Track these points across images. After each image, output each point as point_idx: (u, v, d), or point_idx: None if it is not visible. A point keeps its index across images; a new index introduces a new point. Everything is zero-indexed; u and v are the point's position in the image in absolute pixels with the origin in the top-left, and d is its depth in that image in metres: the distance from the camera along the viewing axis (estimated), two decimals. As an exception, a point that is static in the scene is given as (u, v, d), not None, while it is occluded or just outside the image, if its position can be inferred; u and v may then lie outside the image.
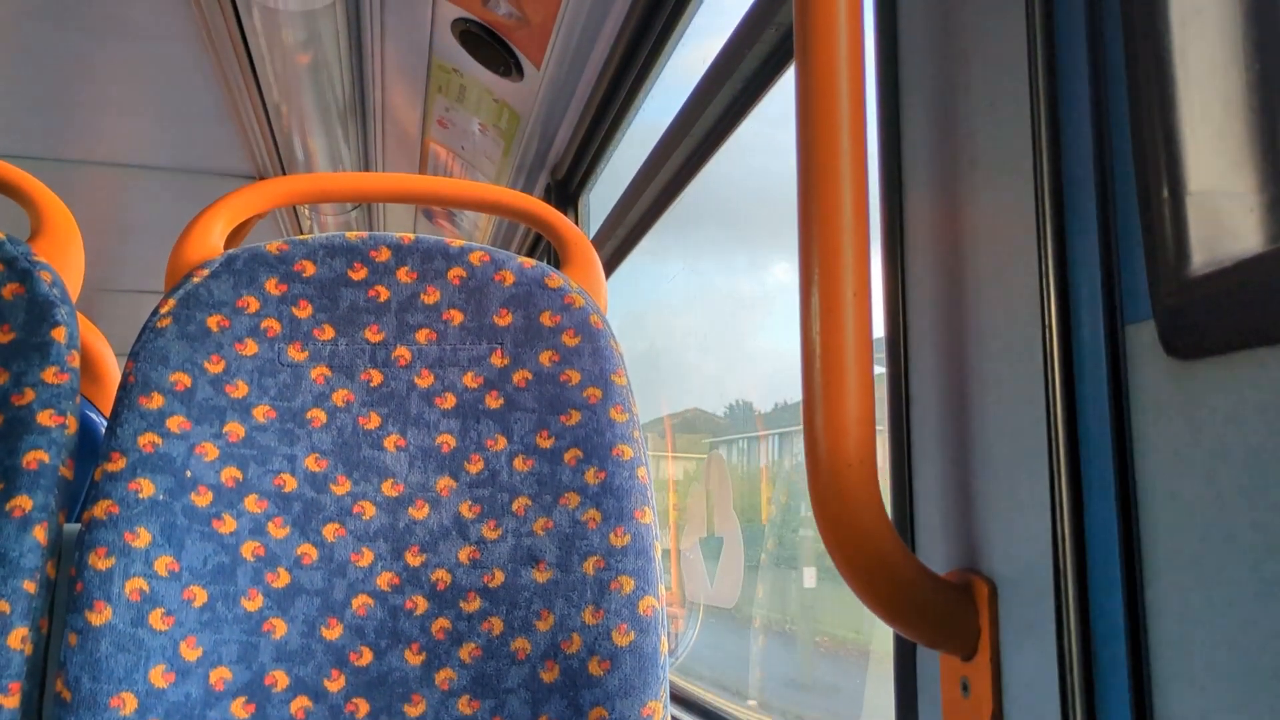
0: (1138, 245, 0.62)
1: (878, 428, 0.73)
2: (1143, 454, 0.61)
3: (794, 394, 0.77)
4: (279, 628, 1.08)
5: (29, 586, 1.01)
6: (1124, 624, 0.61)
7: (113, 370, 1.70)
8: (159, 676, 1.01)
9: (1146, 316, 0.61)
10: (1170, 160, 0.59)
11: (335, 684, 1.07)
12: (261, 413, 1.15)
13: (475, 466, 1.16)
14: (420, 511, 1.14)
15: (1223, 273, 0.56)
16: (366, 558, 1.12)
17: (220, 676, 1.04)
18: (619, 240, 2.39)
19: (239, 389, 1.15)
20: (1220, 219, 0.58)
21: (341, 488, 1.14)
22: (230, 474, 1.11)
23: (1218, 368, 0.56)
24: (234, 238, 1.33)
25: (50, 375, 1.10)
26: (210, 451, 1.12)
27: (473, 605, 1.10)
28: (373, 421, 1.18)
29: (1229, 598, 0.54)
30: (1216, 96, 0.60)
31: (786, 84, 1.63)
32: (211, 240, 1.27)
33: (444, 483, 1.15)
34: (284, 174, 3.12)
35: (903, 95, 0.86)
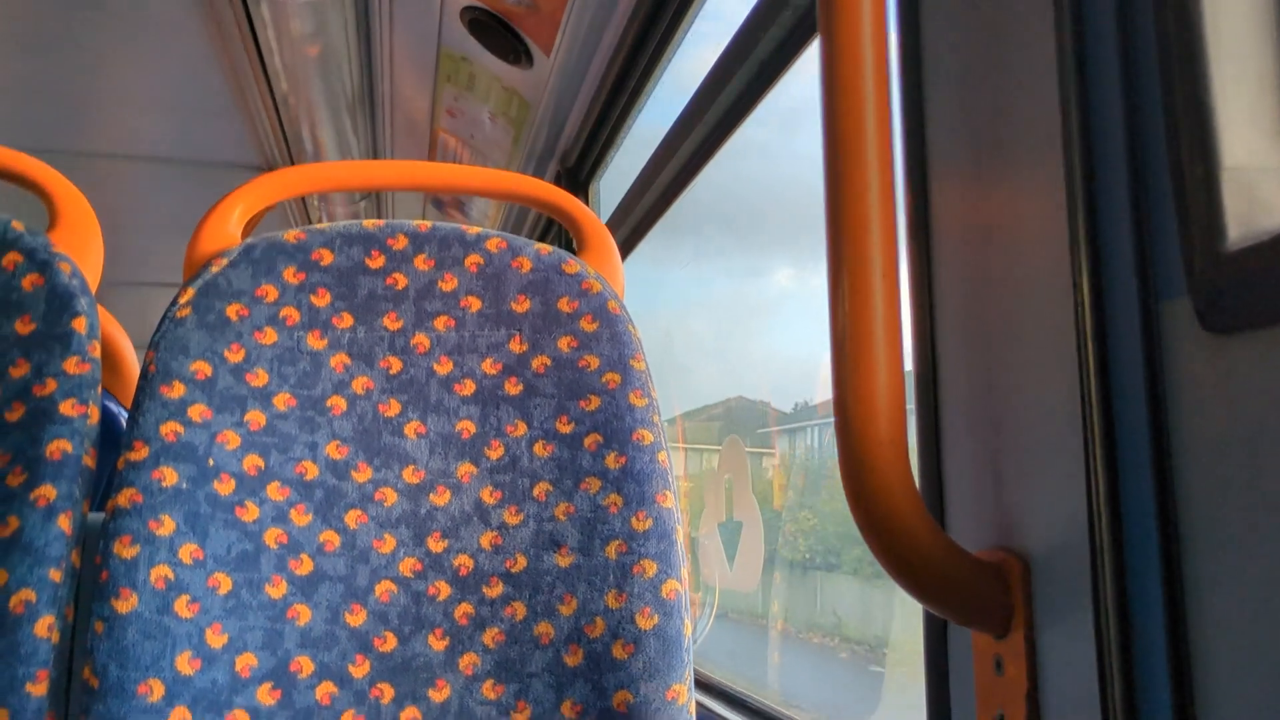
0: (1171, 221, 0.61)
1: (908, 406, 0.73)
2: (1178, 429, 0.61)
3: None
4: (303, 614, 1.08)
5: (54, 575, 1.02)
6: (1162, 601, 0.60)
7: (131, 360, 1.71)
8: (185, 663, 1.02)
9: (1181, 293, 0.60)
10: (1203, 135, 0.59)
11: (360, 669, 1.07)
12: (282, 401, 1.15)
13: (496, 452, 1.16)
14: (441, 498, 1.14)
15: (1258, 247, 0.56)
16: (389, 544, 1.12)
17: (246, 663, 1.05)
18: (630, 227, 2.38)
19: (259, 377, 1.15)
20: (1255, 193, 0.58)
21: (363, 474, 1.15)
22: (252, 462, 1.12)
23: (1254, 342, 0.56)
24: (246, 229, 1.33)
25: (72, 365, 1.10)
26: (232, 440, 1.12)
27: (495, 590, 1.10)
28: (393, 408, 1.18)
29: (1269, 573, 0.54)
30: (1250, 70, 0.59)
31: (799, 71, 1.63)
32: (228, 230, 1.27)
33: (465, 469, 1.16)
34: (293, 165, 3.12)
35: (927, 73, 0.85)
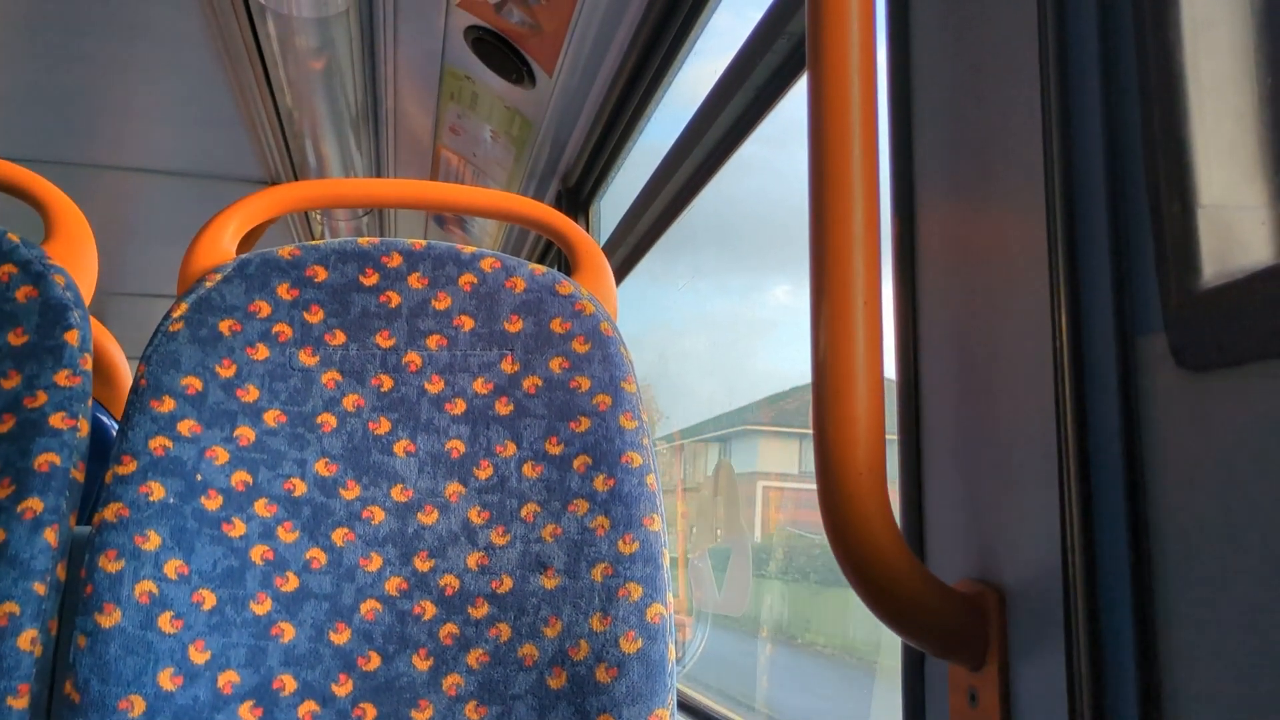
0: (1149, 257, 0.62)
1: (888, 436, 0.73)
2: (1153, 465, 0.61)
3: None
4: (287, 632, 1.08)
5: (39, 588, 1.02)
6: (1133, 636, 0.61)
7: (124, 373, 1.71)
8: (167, 679, 1.02)
9: (1157, 328, 0.61)
10: (1181, 173, 0.60)
11: (343, 688, 1.07)
12: (272, 417, 1.16)
13: (484, 472, 1.16)
14: (429, 517, 1.15)
15: (1234, 285, 0.56)
16: (375, 563, 1.12)
17: (228, 680, 1.04)
18: (630, 248, 2.39)
19: (250, 393, 1.16)
20: (1231, 232, 0.59)
21: (351, 492, 1.15)
22: (240, 478, 1.12)
23: (1228, 379, 0.56)
24: (246, 242, 1.34)
25: (63, 378, 1.10)
26: (221, 455, 1.12)
27: (481, 611, 1.10)
28: (383, 427, 1.18)
29: (1239, 610, 0.54)
30: (1228, 109, 0.60)
31: (795, 96, 1.63)
32: (224, 245, 1.28)
33: (453, 488, 1.16)
34: (296, 179, 3.13)
35: (914, 105, 0.86)
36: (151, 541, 1.05)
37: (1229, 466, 0.56)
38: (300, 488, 1.14)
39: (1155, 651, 0.60)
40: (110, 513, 1.06)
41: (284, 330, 1.19)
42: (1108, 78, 0.67)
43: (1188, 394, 0.59)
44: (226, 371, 1.15)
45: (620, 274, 2.44)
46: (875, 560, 0.70)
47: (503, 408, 1.18)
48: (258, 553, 1.10)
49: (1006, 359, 0.73)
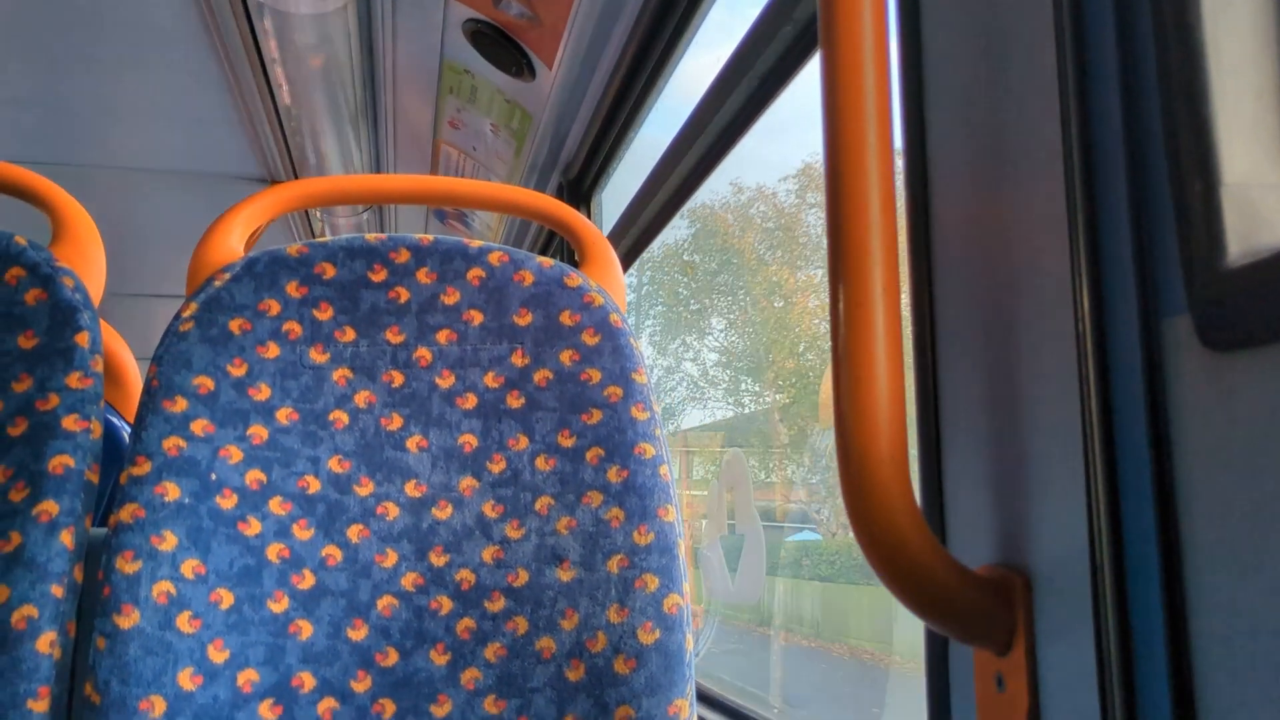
0: (1172, 237, 0.61)
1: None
2: (1180, 446, 0.61)
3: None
4: (305, 629, 1.08)
5: (57, 591, 1.02)
6: (1163, 618, 0.60)
7: (133, 374, 1.71)
8: (187, 679, 1.02)
9: (1182, 310, 0.60)
10: (1203, 152, 0.59)
11: (362, 685, 1.07)
12: (284, 415, 1.16)
13: (497, 466, 1.16)
14: (443, 512, 1.14)
15: (1259, 264, 0.56)
16: (391, 558, 1.12)
17: (248, 678, 1.04)
18: (633, 239, 2.39)
19: (261, 392, 1.16)
20: (1256, 210, 0.58)
21: (365, 489, 1.15)
22: (254, 476, 1.12)
23: (1255, 360, 0.56)
24: (249, 242, 1.34)
25: (74, 380, 1.10)
26: (234, 454, 1.12)
27: (497, 605, 1.10)
28: (395, 422, 1.18)
29: (1270, 590, 0.54)
30: (1250, 87, 0.59)
31: (798, 84, 1.63)
32: (231, 244, 1.27)
33: (466, 483, 1.16)
34: (296, 177, 3.12)
35: (928, 88, 0.86)
36: (168, 542, 1.05)
37: (1257, 446, 0.55)
38: (314, 485, 1.14)
39: (1185, 633, 0.60)
40: (126, 514, 1.06)
41: (294, 328, 1.19)
42: (1126, 56, 0.66)
43: (1214, 374, 0.58)
44: (238, 370, 1.15)
45: (625, 264, 2.43)
46: (898, 547, 0.70)
47: (514, 401, 1.18)
48: (274, 551, 1.10)
49: (1027, 343, 0.72)
